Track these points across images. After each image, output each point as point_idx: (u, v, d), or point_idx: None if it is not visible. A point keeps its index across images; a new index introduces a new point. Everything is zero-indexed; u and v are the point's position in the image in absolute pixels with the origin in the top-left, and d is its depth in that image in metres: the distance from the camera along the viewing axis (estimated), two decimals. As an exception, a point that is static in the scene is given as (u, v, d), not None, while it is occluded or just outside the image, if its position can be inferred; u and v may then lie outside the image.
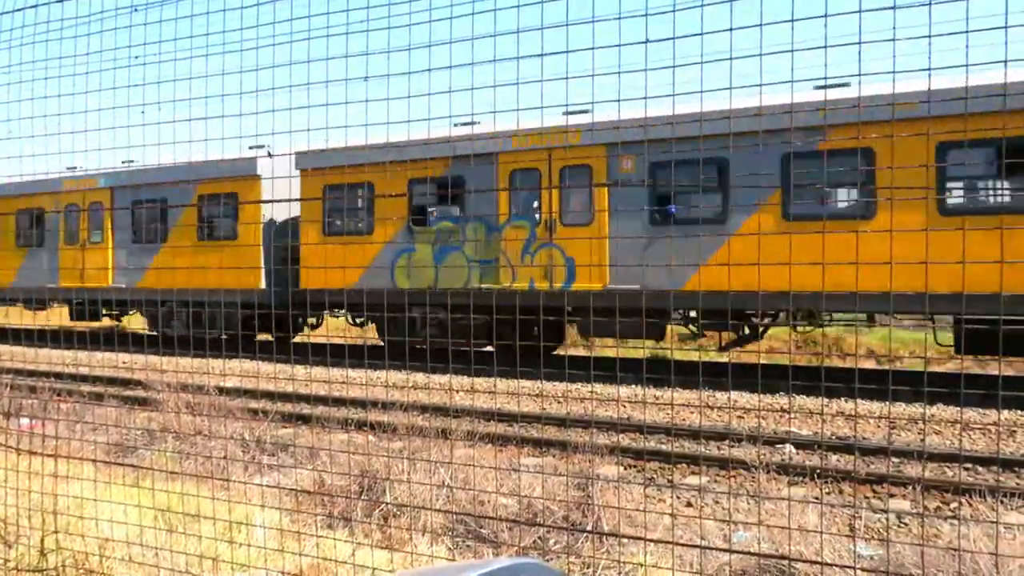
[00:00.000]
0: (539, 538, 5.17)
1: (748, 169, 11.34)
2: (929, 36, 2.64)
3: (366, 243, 15.06)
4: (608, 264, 12.84)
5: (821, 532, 4.30)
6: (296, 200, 15.94)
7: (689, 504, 6.72)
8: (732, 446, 8.41)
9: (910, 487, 6.95)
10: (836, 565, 4.29)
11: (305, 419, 9.16)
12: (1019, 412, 10.20)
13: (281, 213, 16.99)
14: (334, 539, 4.08)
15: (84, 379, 11.14)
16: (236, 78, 3.54)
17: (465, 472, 5.98)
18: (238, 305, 15.28)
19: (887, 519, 6.15)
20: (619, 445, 7.79)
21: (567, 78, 3.07)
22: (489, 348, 14.47)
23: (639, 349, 13.29)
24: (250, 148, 15.33)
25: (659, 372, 11.39)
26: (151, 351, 10.16)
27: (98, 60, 3.96)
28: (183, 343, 14.20)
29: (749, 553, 4.39)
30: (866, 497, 6.99)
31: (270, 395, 10.64)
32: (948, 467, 7.70)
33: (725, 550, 4.29)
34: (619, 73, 2.97)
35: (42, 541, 4.04)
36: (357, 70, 3.36)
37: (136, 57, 3.94)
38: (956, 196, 11.52)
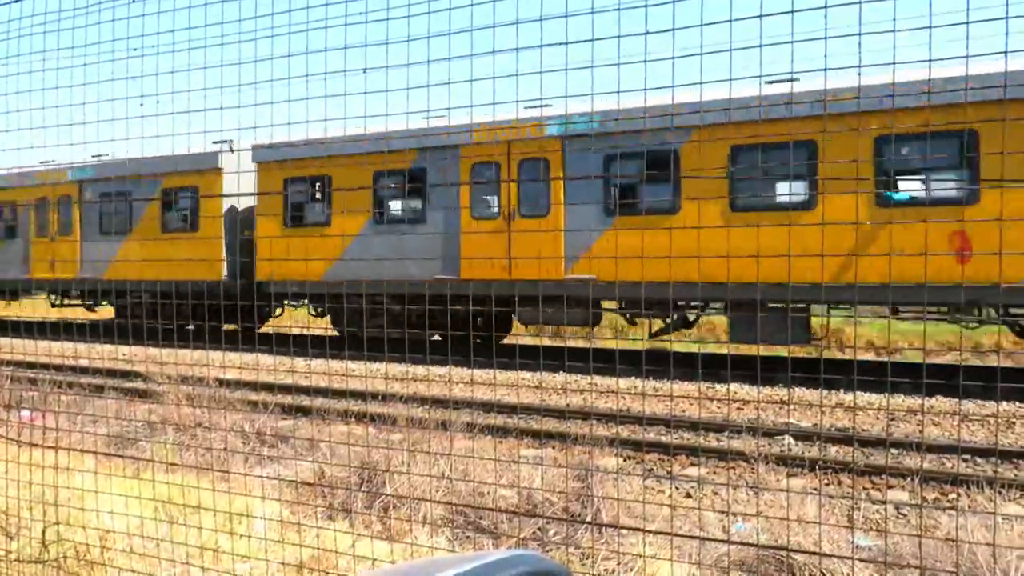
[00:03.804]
0: (539, 529, 5.19)
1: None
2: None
3: (325, 236, 15.06)
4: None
5: (820, 523, 4.31)
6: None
7: (688, 495, 6.74)
8: (731, 437, 8.42)
9: (909, 478, 6.97)
10: (835, 556, 4.30)
11: (305, 411, 9.17)
12: (1018, 404, 10.23)
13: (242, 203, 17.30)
14: (334, 530, 4.09)
15: (84, 371, 11.14)
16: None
17: (465, 464, 5.99)
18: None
19: (886, 510, 6.16)
20: (618, 436, 7.81)
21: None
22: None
23: (638, 341, 13.33)
24: (214, 143, 15.53)
25: (658, 364, 11.40)
26: (151, 343, 10.18)
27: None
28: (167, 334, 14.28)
29: (748, 544, 4.41)
30: (865, 488, 7.01)
31: (270, 387, 10.65)
32: (947, 458, 7.72)
33: (724, 541, 4.30)
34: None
35: (43, 532, 4.06)
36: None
37: (135, 49, 3.93)
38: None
